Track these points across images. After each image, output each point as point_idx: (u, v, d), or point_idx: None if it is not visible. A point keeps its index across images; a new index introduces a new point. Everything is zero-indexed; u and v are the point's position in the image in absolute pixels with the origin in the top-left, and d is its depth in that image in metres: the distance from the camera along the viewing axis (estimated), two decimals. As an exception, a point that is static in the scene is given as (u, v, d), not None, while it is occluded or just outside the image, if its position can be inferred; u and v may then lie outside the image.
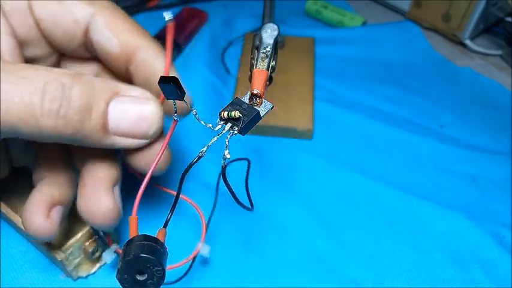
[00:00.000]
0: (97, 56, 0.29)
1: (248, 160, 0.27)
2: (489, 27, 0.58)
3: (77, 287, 0.32)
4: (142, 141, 0.25)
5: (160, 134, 0.26)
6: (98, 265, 0.33)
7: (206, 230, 0.31)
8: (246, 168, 0.42)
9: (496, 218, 0.38)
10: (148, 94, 0.25)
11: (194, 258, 0.31)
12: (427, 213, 0.38)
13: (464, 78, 0.52)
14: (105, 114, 0.23)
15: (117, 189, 0.28)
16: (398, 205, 0.39)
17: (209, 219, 0.34)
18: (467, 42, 0.56)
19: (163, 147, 0.25)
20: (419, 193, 0.39)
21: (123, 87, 0.24)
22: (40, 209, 0.26)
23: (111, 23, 0.27)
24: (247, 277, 0.34)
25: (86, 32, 0.27)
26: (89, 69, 0.30)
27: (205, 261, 0.34)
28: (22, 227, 0.27)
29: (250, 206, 0.26)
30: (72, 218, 0.31)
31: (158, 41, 0.28)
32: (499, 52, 0.56)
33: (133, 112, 0.24)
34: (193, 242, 0.31)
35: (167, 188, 0.32)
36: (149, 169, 0.24)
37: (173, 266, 0.29)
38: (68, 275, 0.32)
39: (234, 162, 0.41)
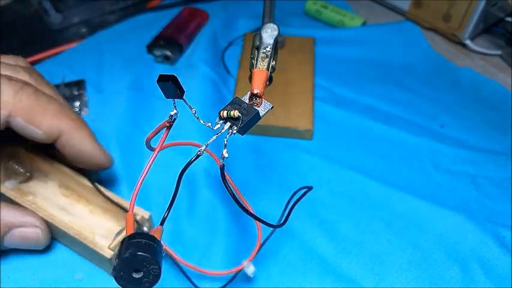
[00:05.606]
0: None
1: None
2: (489, 27, 0.58)
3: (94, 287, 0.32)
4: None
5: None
6: None
7: (258, 250, 0.31)
8: (246, 169, 0.42)
9: (496, 218, 0.38)
10: (37, 222, 0.31)
11: (237, 273, 0.31)
12: (427, 213, 0.38)
13: (464, 78, 0.52)
14: None
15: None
16: (398, 205, 0.39)
17: (265, 240, 0.32)
18: (467, 42, 0.56)
19: (156, 152, 0.24)
20: (419, 193, 0.39)
21: (16, 220, 0.31)
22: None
23: (30, 117, 0.29)
24: (247, 277, 0.33)
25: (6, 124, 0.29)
26: None
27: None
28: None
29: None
30: (114, 218, 0.32)
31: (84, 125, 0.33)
32: (499, 52, 0.56)
33: (23, 240, 0.31)
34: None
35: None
36: (145, 166, 0.23)
37: (212, 273, 0.31)
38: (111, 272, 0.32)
39: (234, 163, 0.41)
